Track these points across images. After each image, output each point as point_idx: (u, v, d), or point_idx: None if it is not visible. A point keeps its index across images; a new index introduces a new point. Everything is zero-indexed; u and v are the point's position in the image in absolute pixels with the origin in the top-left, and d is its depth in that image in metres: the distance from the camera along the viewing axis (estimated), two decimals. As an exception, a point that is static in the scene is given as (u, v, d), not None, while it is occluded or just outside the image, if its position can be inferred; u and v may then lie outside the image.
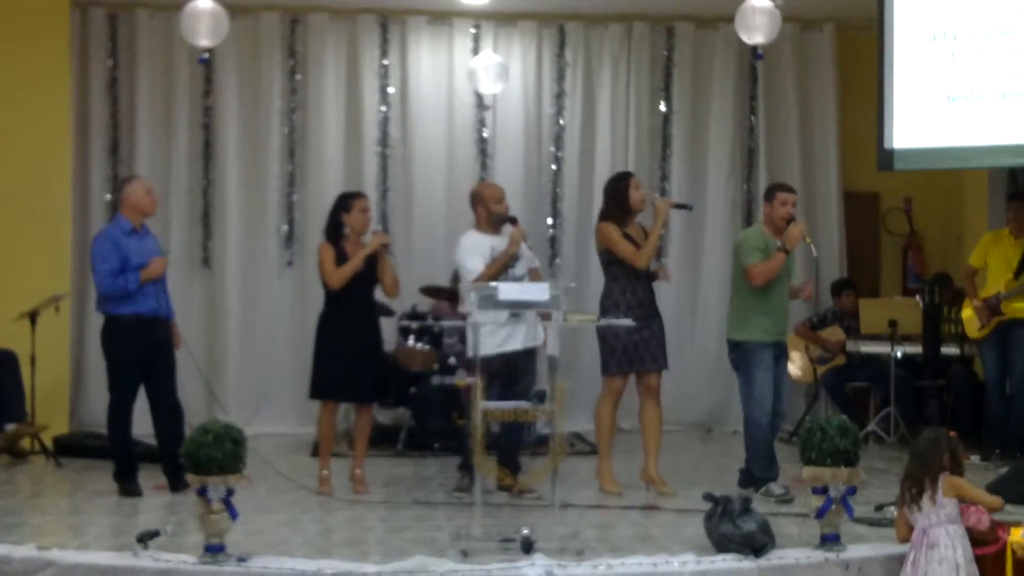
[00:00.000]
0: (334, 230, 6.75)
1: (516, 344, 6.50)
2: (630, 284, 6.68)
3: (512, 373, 6.45)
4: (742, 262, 6.65)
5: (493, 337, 6.35)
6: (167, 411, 6.73)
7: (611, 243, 6.67)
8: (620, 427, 7.91)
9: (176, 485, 6.59)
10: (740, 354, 6.68)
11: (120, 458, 6.74)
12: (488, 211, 6.71)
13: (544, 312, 5.91)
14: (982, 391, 8.16)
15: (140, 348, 6.63)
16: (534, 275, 6.70)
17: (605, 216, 6.79)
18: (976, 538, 4.96)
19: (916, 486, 4.94)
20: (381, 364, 6.97)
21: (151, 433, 6.91)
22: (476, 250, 6.58)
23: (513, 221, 6.69)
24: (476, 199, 6.82)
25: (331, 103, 9.38)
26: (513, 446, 6.73)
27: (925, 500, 4.90)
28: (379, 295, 6.93)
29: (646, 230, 6.83)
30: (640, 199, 6.77)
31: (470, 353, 6.40)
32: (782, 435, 7.65)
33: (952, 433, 5.10)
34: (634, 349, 6.65)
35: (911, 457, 5.07)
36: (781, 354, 6.76)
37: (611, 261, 6.73)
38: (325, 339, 6.72)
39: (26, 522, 5.95)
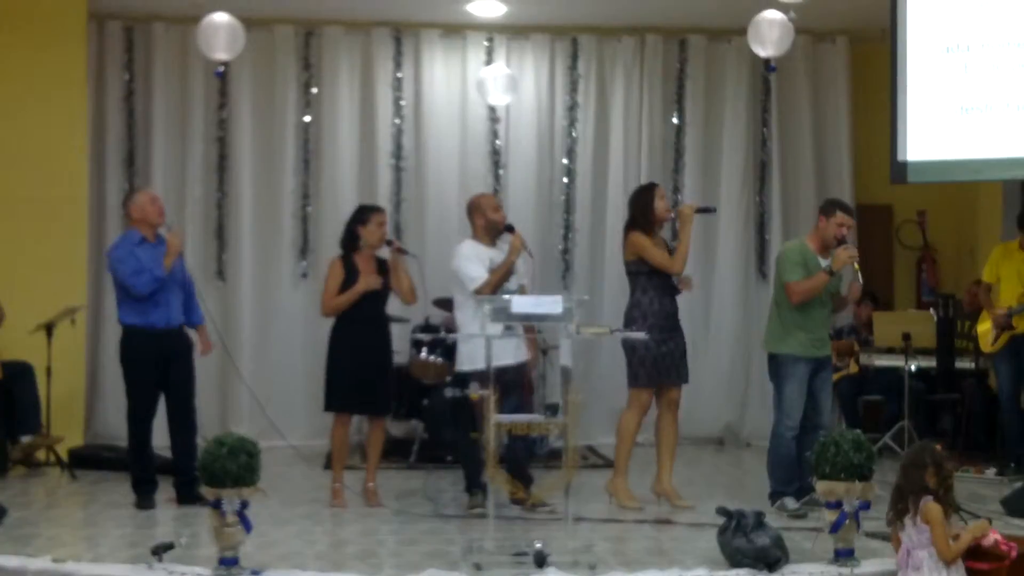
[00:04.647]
0: (349, 242, 6.81)
1: (508, 358, 6.46)
2: (658, 296, 6.68)
3: (506, 386, 6.40)
4: (782, 278, 6.62)
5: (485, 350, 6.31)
6: (179, 424, 6.75)
7: (643, 252, 6.65)
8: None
9: (183, 498, 6.62)
10: (774, 366, 6.65)
11: (135, 470, 6.77)
12: (486, 220, 6.72)
13: (527, 327, 5.89)
14: (996, 405, 8.13)
15: (152, 360, 6.65)
16: (521, 291, 6.62)
17: (632, 226, 6.77)
18: (978, 552, 4.84)
19: (901, 502, 4.79)
20: (392, 377, 6.99)
21: (167, 445, 6.92)
22: (477, 258, 6.60)
23: (511, 229, 6.71)
24: (473, 208, 6.84)
25: (345, 115, 9.41)
26: (519, 458, 6.72)
27: (908, 520, 4.75)
28: (398, 306, 6.98)
29: (667, 242, 6.88)
30: (665, 208, 6.78)
31: (465, 366, 6.44)
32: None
33: (938, 446, 4.88)
34: (661, 361, 6.66)
35: (899, 471, 4.89)
36: (822, 368, 6.67)
37: (639, 272, 6.71)
38: (337, 352, 6.76)
39: (41, 534, 5.97)
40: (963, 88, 7.58)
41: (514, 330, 5.98)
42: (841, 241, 6.59)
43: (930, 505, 4.70)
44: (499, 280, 6.51)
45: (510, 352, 6.50)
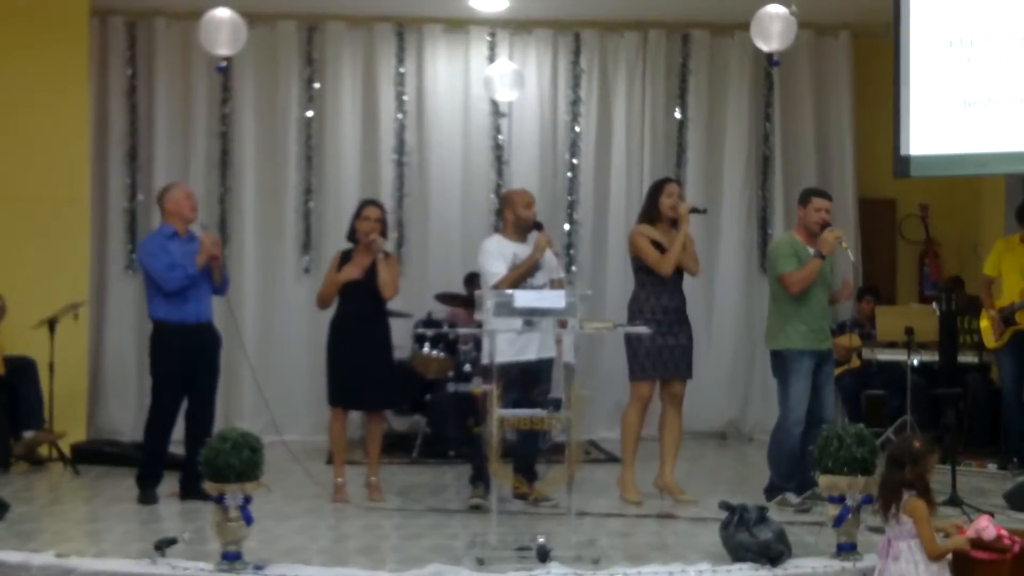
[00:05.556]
0: (351, 235, 6.86)
1: (532, 354, 6.49)
2: (655, 290, 6.69)
3: (529, 381, 6.44)
4: (776, 271, 6.64)
5: (511, 345, 6.34)
6: (199, 420, 6.73)
7: (638, 249, 6.70)
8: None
9: (187, 492, 6.63)
10: (778, 362, 6.65)
11: (146, 466, 6.77)
12: (516, 215, 6.71)
13: (561, 320, 5.90)
14: (999, 399, 8.13)
15: (183, 355, 6.64)
16: (556, 286, 6.61)
17: (638, 222, 6.85)
18: (980, 543, 4.85)
19: (885, 495, 4.78)
20: (390, 371, 6.92)
21: (177, 440, 6.91)
22: (499, 254, 6.58)
23: (539, 227, 6.69)
24: (505, 202, 6.85)
25: (348, 111, 9.42)
26: (529, 454, 6.72)
27: (890, 512, 4.73)
28: (402, 301, 6.96)
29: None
30: (670, 206, 6.76)
31: (485, 360, 6.41)
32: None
33: (917, 444, 4.78)
34: (658, 355, 6.65)
35: (884, 464, 4.88)
36: (824, 361, 6.67)
37: (639, 267, 6.75)
38: (332, 346, 6.78)
39: (44, 529, 5.99)
40: (966, 82, 7.57)
41: (537, 325, 5.98)
42: (825, 225, 6.60)
43: (914, 502, 4.69)
44: (518, 277, 6.46)
45: (535, 347, 6.50)
